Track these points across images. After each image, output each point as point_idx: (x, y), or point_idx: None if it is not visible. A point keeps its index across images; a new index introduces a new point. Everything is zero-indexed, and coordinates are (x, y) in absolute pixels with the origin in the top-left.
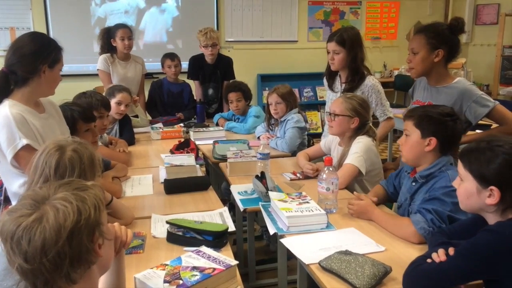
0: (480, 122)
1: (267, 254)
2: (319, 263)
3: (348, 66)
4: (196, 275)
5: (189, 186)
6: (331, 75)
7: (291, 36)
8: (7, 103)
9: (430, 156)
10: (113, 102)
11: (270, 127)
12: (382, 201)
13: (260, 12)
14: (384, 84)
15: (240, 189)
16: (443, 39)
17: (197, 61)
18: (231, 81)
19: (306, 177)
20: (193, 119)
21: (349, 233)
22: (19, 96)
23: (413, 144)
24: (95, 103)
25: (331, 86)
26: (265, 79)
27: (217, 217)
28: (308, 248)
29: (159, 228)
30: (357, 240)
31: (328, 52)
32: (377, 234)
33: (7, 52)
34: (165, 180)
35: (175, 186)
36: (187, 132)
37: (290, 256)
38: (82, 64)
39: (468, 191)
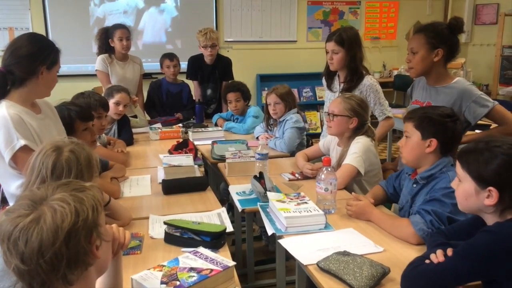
0: (480, 122)
1: (266, 254)
2: (317, 264)
3: (347, 65)
4: (193, 276)
5: (187, 186)
6: (329, 75)
7: (290, 36)
8: (4, 104)
9: (430, 157)
10: (111, 102)
11: (269, 127)
12: (381, 201)
13: (259, 12)
14: (384, 84)
15: (238, 189)
16: (442, 38)
17: (196, 61)
18: (230, 81)
19: (305, 177)
20: (192, 119)
21: (348, 233)
22: (16, 97)
23: (413, 145)
24: (93, 103)
25: (329, 86)
26: (264, 79)
27: (215, 217)
28: (306, 248)
29: (156, 229)
30: (355, 240)
31: (327, 52)
32: (375, 235)
33: (4, 52)
34: (163, 180)
35: (173, 186)
36: (186, 133)
37: (289, 256)
38: (81, 64)
39: (467, 192)
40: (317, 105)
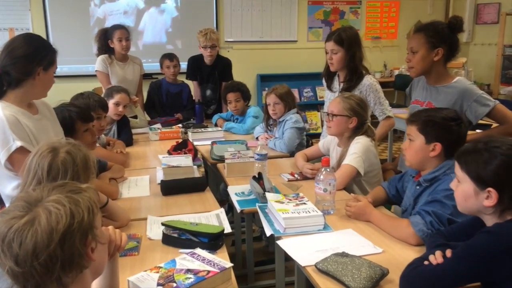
0: (481, 121)
1: (266, 255)
2: (315, 265)
3: (347, 65)
4: (190, 278)
5: (186, 187)
6: (329, 75)
7: (290, 36)
8: (0, 105)
9: (434, 160)
10: (111, 103)
11: (269, 127)
12: (382, 203)
13: (260, 12)
14: (385, 84)
15: (237, 190)
16: (442, 37)
17: (195, 62)
18: (230, 81)
19: (304, 178)
20: (192, 119)
21: (347, 234)
22: (12, 98)
23: (417, 149)
24: (93, 104)
25: (329, 86)
26: (265, 79)
27: (214, 218)
28: (305, 249)
29: (154, 230)
30: (354, 241)
31: (326, 52)
32: (375, 236)
33: (0, 53)
34: (161, 181)
35: (171, 187)
36: (186, 133)
37: (288, 257)
38: (81, 65)
39: (466, 193)
40: (317, 105)
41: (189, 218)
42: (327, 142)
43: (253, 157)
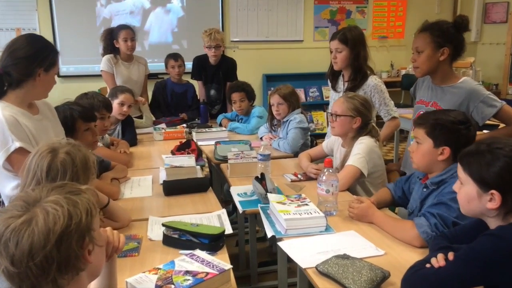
0: (488, 122)
1: (270, 255)
2: (316, 267)
3: (351, 64)
4: (189, 279)
5: (188, 187)
6: (334, 75)
7: (296, 36)
8: (0, 105)
9: (442, 163)
10: (115, 103)
11: (273, 127)
12: (387, 204)
13: (266, 12)
14: (391, 84)
15: (239, 190)
16: (448, 37)
17: (200, 62)
18: (234, 81)
19: (308, 178)
20: (196, 119)
21: (349, 236)
22: (12, 98)
23: (425, 153)
24: (97, 104)
25: (334, 86)
26: (271, 79)
27: (215, 219)
28: (306, 251)
29: (155, 231)
30: (356, 243)
31: (331, 51)
32: (377, 238)
33: (2, 53)
34: (164, 181)
35: (174, 187)
36: (190, 133)
37: (291, 258)
38: (88, 65)
39: (469, 195)
40: (323, 105)
41: (191, 219)
42: (331, 142)
43: (256, 157)
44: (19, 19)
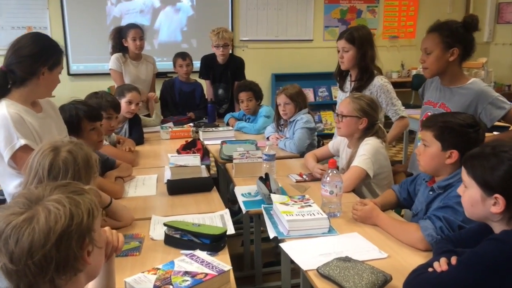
0: (498, 123)
1: (275, 256)
2: (317, 270)
3: (357, 64)
4: (187, 280)
5: (192, 187)
6: (341, 75)
7: (306, 35)
8: (4, 103)
9: (450, 167)
10: (123, 101)
11: (279, 127)
12: (392, 206)
13: (275, 11)
14: (401, 84)
15: (244, 190)
16: (458, 37)
17: (208, 61)
18: (242, 80)
19: (313, 179)
20: (204, 118)
21: (352, 238)
22: (16, 96)
23: (432, 156)
24: (105, 103)
25: (341, 87)
26: (280, 79)
27: (218, 219)
28: (308, 253)
29: (158, 230)
30: (359, 246)
31: (338, 51)
32: (381, 240)
33: (7, 51)
34: (167, 180)
35: (178, 187)
36: (197, 132)
37: None
38: (98, 63)
39: (473, 198)
40: (332, 105)
41: (193, 219)
42: (337, 143)
43: (261, 157)
44: (30, 18)
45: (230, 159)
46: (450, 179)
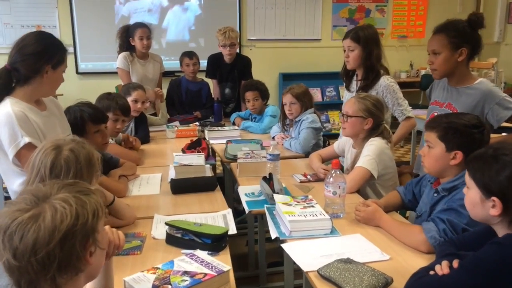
0: (506, 124)
1: (280, 256)
2: (317, 271)
3: (363, 63)
4: (186, 280)
5: (195, 186)
6: (348, 75)
7: (314, 35)
8: (8, 101)
9: (455, 168)
10: (129, 100)
11: (285, 127)
12: (396, 208)
13: (283, 10)
14: (410, 84)
15: (247, 190)
16: (465, 37)
17: (215, 60)
18: (248, 80)
19: (317, 179)
20: (210, 118)
21: (354, 239)
22: (20, 94)
23: (437, 157)
24: (114, 105)
25: (348, 86)
26: (287, 78)
27: (220, 219)
28: (309, 254)
29: (160, 229)
30: (361, 247)
31: (344, 50)
32: (383, 242)
33: (11, 49)
34: (171, 179)
35: (181, 186)
36: (202, 131)
37: None
38: (106, 62)
39: (473, 200)
40: (340, 105)
41: (195, 218)
42: (342, 143)
43: (265, 157)
44: (40, 16)
45: (234, 159)
46: (455, 181)
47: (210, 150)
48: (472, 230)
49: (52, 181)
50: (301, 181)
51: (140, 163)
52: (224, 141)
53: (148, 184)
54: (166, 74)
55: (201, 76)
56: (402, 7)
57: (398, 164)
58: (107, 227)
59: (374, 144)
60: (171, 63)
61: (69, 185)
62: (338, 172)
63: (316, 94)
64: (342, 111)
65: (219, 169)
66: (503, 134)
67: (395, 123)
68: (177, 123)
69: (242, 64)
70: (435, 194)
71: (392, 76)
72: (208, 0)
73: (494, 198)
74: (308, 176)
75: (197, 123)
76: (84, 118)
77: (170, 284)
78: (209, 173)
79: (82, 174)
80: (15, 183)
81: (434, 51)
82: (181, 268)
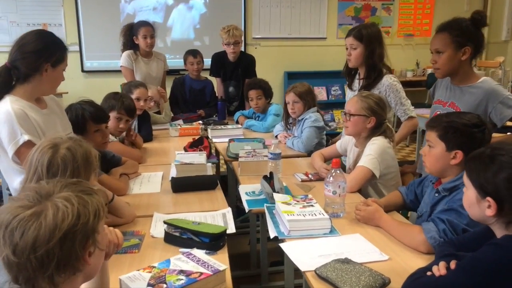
0: (511, 123)
1: (282, 255)
2: (315, 271)
3: (365, 62)
4: (182, 279)
5: (196, 185)
6: (350, 74)
7: (319, 33)
8: (8, 99)
9: (456, 168)
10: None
11: (288, 126)
12: (397, 208)
13: (289, 9)
14: (416, 83)
15: (248, 189)
16: (468, 35)
17: (219, 58)
18: (252, 78)
19: (318, 178)
20: (214, 116)
21: (353, 239)
22: (21, 92)
23: (437, 156)
24: (119, 105)
25: (350, 85)
26: (292, 77)
27: (219, 218)
28: (308, 254)
29: (159, 228)
30: (360, 247)
31: (346, 48)
32: (383, 242)
33: (12, 47)
34: (172, 178)
35: (182, 184)
36: (205, 130)
37: None
38: (111, 60)
39: (469, 199)
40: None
41: (195, 217)
42: (345, 142)
43: (267, 156)
44: (46, 15)
45: (236, 157)
46: (456, 181)
47: (213, 148)
48: (472, 231)
49: (56, 179)
50: (303, 180)
51: (143, 161)
52: (227, 139)
53: (149, 183)
54: (171, 72)
55: (205, 75)
56: (409, 5)
57: (402, 164)
58: (105, 226)
59: (376, 143)
60: (176, 62)
61: (72, 184)
62: (338, 172)
63: (322, 93)
64: (344, 110)
65: (223, 168)
66: (508, 133)
67: (399, 122)
68: (180, 121)
69: (246, 63)
70: (436, 194)
71: (395, 75)
72: None
73: (489, 198)
74: (310, 175)
75: (200, 122)
76: (85, 117)
77: (166, 283)
78: (210, 171)
79: (80, 172)
80: (15, 181)
81: (437, 50)
82: (177, 267)
